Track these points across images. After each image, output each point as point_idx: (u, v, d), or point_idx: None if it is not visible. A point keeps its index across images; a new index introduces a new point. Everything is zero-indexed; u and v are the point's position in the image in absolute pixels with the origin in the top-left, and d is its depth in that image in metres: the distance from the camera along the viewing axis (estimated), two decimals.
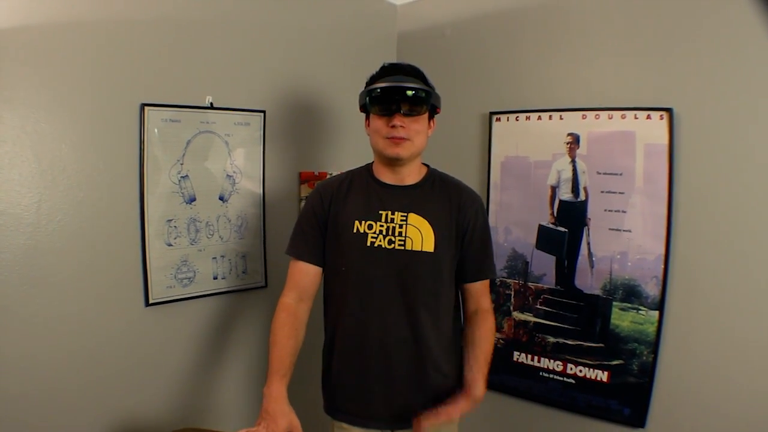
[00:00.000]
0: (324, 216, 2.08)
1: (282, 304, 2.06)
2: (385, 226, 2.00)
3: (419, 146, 2.00)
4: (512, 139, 2.76)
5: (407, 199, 2.04)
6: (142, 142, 2.29)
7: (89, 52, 2.17)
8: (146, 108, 2.29)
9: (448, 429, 2.13)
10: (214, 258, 2.56)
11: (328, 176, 2.91)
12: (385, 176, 2.07)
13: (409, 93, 1.93)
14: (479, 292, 2.11)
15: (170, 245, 2.41)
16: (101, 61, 2.19)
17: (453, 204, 2.06)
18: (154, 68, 2.33)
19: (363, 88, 2.07)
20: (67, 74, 2.12)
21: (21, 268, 2.06)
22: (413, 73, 2.04)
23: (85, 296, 2.21)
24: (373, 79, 2.05)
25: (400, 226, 1.99)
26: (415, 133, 1.96)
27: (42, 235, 2.10)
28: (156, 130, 2.33)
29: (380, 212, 2.02)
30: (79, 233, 2.18)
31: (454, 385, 2.12)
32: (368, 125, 2.06)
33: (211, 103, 2.49)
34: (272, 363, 1.93)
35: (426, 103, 1.96)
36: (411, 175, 2.07)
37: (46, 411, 2.14)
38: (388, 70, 2.05)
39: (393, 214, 2.01)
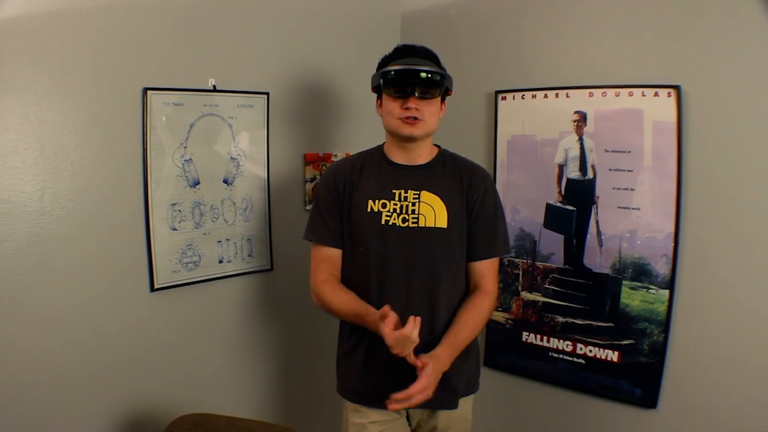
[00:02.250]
0: (339, 197, 2.09)
1: (317, 282, 2.11)
2: (399, 205, 2.02)
3: (432, 127, 2.03)
4: (518, 117, 2.73)
5: (419, 177, 2.06)
6: (145, 126, 2.28)
7: (90, 38, 2.15)
8: (149, 92, 2.27)
9: (462, 422, 2.15)
10: (219, 241, 2.55)
11: (333, 158, 2.90)
12: (397, 156, 2.09)
13: (423, 75, 1.95)
14: (481, 273, 2.10)
15: (175, 229, 2.40)
16: (103, 46, 2.18)
17: (464, 181, 2.07)
18: (156, 52, 2.31)
19: (368, 69, 2.09)
20: (69, 60, 2.11)
21: (25, 256, 2.05)
22: (427, 55, 2.06)
23: (89, 282, 2.21)
24: (387, 60, 2.06)
25: (413, 204, 2.02)
26: (429, 115, 1.99)
27: (46, 223, 2.09)
28: (164, 118, 2.32)
29: (393, 191, 2.04)
30: (83, 220, 2.18)
31: (472, 364, 2.15)
32: (380, 106, 2.07)
33: (214, 86, 2.46)
34: (353, 308, 2.01)
35: (440, 86, 1.99)
36: (423, 155, 2.09)
37: (53, 398, 2.15)
38: (401, 52, 2.06)
39: (406, 192, 2.03)
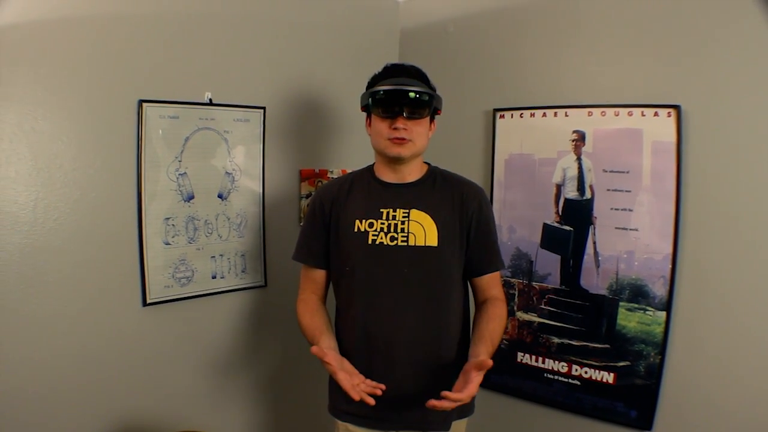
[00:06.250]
0: (326, 219, 2.09)
1: (299, 300, 2.14)
2: (387, 224, 2.00)
3: (421, 147, 2.01)
4: (516, 136, 2.72)
5: (409, 195, 2.04)
6: (139, 138, 2.26)
7: (86, 48, 2.14)
8: (144, 104, 2.26)
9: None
10: (213, 257, 2.53)
11: (329, 174, 2.89)
12: (387, 175, 2.07)
13: (412, 95, 1.93)
14: (488, 284, 2.09)
15: (168, 244, 2.37)
16: (98, 57, 2.17)
17: (455, 198, 2.05)
18: (153, 64, 2.30)
19: (365, 87, 2.07)
20: (65, 71, 2.10)
21: (17, 267, 2.04)
22: (416, 74, 2.05)
23: (81, 295, 2.19)
24: (376, 80, 2.06)
25: (402, 223, 1.99)
26: (417, 135, 1.97)
27: (38, 234, 2.07)
28: (161, 131, 2.31)
29: (381, 210, 2.02)
30: (76, 232, 2.16)
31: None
32: (369, 125, 2.06)
33: (210, 99, 2.45)
34: (310, 333, 2.01)
35: (428, 105, 1.98)
36: (412, 174, 2.07)
37: (43, 411, 2.12)
38: (390, 71, 2.05)
39: (395, 211, 2.01)
